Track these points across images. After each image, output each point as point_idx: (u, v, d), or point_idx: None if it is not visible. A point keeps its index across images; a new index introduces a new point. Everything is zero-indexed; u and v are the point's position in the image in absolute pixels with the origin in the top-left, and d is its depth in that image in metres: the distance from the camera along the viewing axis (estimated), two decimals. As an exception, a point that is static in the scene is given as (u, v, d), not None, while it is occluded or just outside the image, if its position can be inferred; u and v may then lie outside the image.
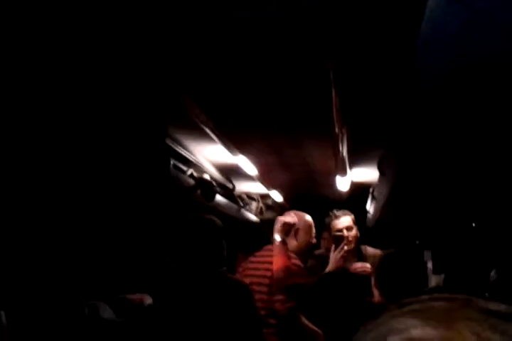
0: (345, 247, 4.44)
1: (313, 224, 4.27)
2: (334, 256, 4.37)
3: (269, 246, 4.10)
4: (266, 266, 3.95)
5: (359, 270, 4.22)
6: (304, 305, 3.73)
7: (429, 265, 5.93)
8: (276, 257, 3.90)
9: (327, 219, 4.79)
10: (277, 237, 3.99)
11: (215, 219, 3.33)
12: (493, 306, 0.73)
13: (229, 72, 3.22)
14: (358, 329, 0.78)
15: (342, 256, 4.36)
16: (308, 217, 4.27)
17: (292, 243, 4.11)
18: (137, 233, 5.13)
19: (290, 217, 4.16)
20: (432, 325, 0.70)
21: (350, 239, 4.61)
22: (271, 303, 3.78)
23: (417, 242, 6.90)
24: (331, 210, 4.83)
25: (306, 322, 3.66)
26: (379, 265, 3.14)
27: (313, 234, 4.26)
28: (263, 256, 4.07)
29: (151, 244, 5.15)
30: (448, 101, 2.30)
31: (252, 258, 4.14)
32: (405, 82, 2.48)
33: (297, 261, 3.96)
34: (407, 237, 6.86)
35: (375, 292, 3.05)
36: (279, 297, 3.80)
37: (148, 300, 3.87)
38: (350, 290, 2.99)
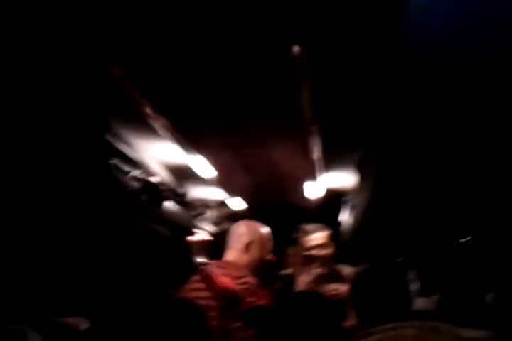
0: (318, 270, 4.32)
1: (269, 237, 4.21)
2: (303, 279, 4.27)
3: (218, 262, 4.09)
4: (211, 284, 3.93)
5: (332, 293, 4.16)
6: (267, 331, 3.72)
7: (415, 285, 5.99)
8: (218, 278, 3.88)
9: (296, 235, 4.69)
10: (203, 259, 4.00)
11: (163, 229, 3.30)
12: (467, 333, 0.75)
13: (182, 56, 3.22)
14: None
15: (313, 280, 4.27)
16: (263, 229, 4.23)
17: (243, 258, 4.07)
18: (70, 245, 5.09)
19: (240, 228, 4.15)
20: None
21: (323, 259, 4.48)
22: (227, 331, 3.74)
23: (400, 259, 6.96)
24: (301, 224, 4.73)
25: None
26: (353, 282, 3.14)
27: (270, 249, 4.21)
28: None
29: (87, 257, 5.11)
30: (433, 96, 2.36)
31: (196, 277, 4.12)
32: (387, 75, 2.53)
33: (250, 279, 3.94)
34: (388, 254, 6.91)
35: (352, 314, 3.05)
36: (237, 324, 3.78)
37: (85, 325, 3.83)
38: (321, 314, 2.98)
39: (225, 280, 3.84)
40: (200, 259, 4.02)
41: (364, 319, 2.95)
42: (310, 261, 4.34)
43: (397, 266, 6.66)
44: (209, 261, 4.01)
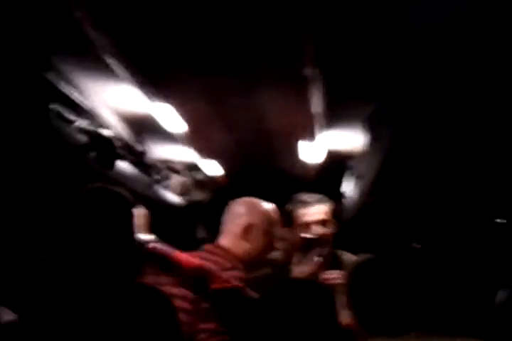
0: (319, 258, 4.26)
1: (277, 219, 4.17)
2: (300, 270, 4.22)
3: (209, 246, 4.08)
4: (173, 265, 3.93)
5: (332, 281, 4.13)
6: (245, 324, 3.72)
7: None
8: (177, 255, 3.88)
9: (289, 207, 4.61)
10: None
11: (126, 192, 3.24)
12: None
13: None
14: None
15: (313, 271, 4.22)
16: (267, 207, 4.19)
17: (240, 245, 4.03)
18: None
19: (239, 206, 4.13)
20: None
21: (324, 239, 4.43)
22: (194, 331, 3.76)
23: (416, 245, 7.02)
24: (296, 194, 4.66)
25: None
26: (350, 277, 3.16)
27: (276, 234, 4.15)
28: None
29: (14, 230, 5.14)
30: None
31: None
32: (403, 11, 2.56)
33: (239, 273, 3.92)
34: (401, 236, 6.96)
35: (344, 313, 3.07)
36: (207, 325, 3.78)
37: (7, 316, 3.86)
38: (316, 306, 2.99)
39: (184, 257, 3.85)
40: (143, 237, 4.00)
41: (363, 321, 2.98)
42: (309, 245, 4.30)
43: (411, 254, 6.72)
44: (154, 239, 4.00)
